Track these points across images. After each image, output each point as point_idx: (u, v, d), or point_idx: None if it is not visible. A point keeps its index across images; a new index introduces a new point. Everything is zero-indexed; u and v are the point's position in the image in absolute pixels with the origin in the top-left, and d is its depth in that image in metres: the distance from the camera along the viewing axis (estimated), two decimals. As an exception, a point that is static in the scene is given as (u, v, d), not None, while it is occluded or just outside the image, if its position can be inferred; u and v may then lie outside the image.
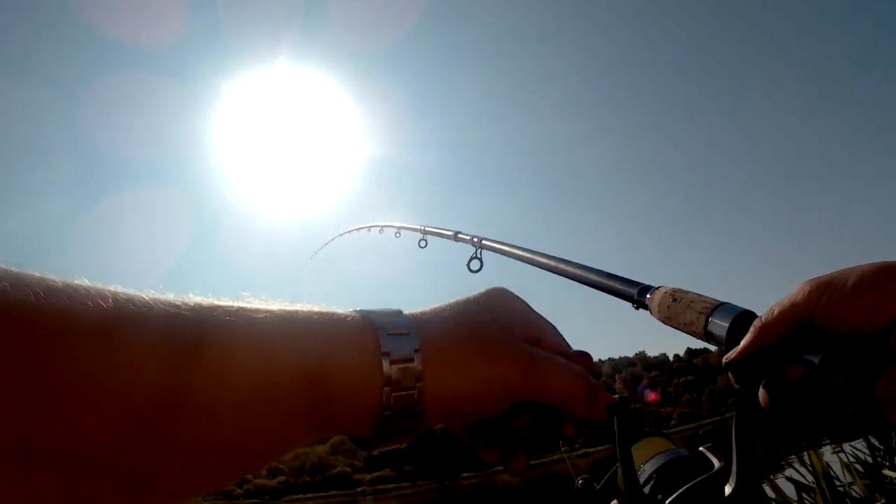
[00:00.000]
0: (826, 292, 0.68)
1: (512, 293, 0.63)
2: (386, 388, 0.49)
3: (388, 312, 0.54)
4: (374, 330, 0.51)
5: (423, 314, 0.57)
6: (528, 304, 0.64)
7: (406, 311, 0.57)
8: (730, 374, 0.75)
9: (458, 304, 0.59)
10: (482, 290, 0.63)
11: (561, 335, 0.64)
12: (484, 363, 0.54)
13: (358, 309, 0.55)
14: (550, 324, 0.64)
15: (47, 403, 0.34)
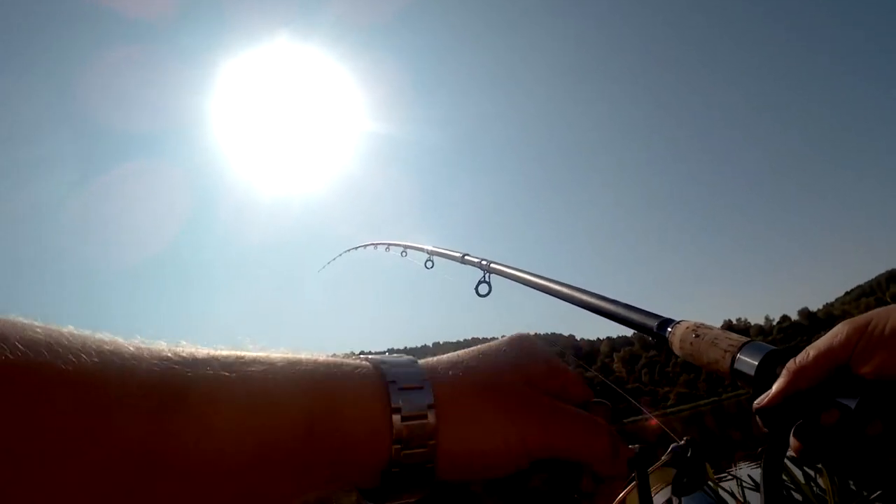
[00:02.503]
0: (864, 335, 0.65)
1: (535, 339, 0.59)
2: (396, 446, 0.45)
3: (400, 362, 0.50)
4: (384, 383, 0.47)
5: (438, 363, 0.52)
6: (551, 353, 0.59)
7: (420, 361, 0.52)
8: (757, 418, 0.72)
9: (477, 352, 0.55)
10: (507, 335, 0.58)
11: (585, 384, 0.60)
12: (503, 420, 0.50)
13: (369, 356, 0.51)
14: (574, 373, 0.59)
15: (23, 463, 0.32)
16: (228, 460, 0.39)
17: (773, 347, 0.75)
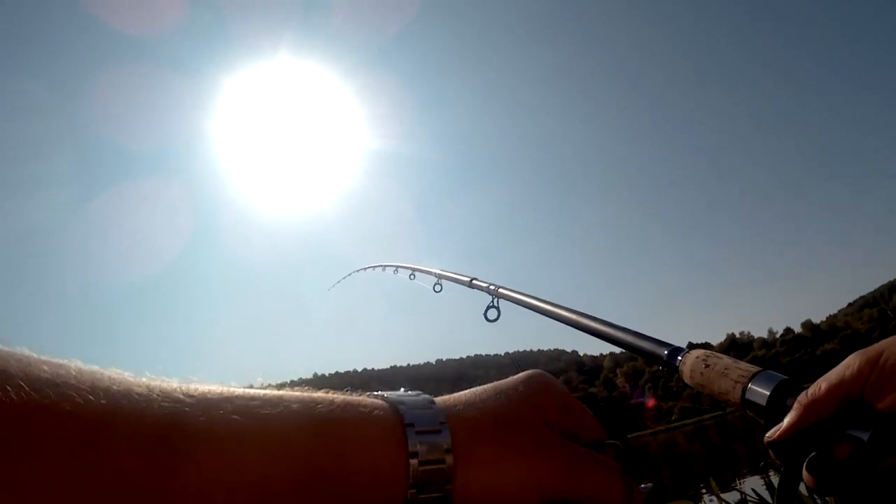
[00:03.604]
0: (876, 368, 0.65)
1: (550, 379, 0.59)
2: (411, 491, 0.45)
3: (418, 403, 0.50)
4: (402, 426, 0.47)
5: (455, 403, 0.52)
6: (566, 390, 0.59)
7: (438, 400, 0.52)
8: (770, 452, 0.71)
9: (494, 391, 0.55)
10: (521, 376, 0.58)
11: (598, 423, 0.60)
12: (521, 463, 0.50)
13: (386, 395, 0.51)
14: (589, 411, 0.60)
15: None
16: None
17: (784, 377, 0.74)
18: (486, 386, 0.56)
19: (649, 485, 0.64)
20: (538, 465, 0.50)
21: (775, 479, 3.46)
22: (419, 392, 0.53)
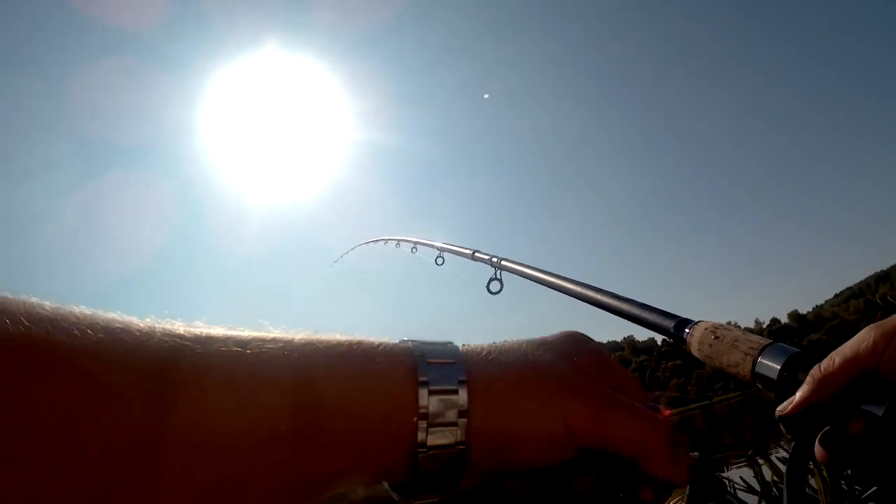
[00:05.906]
0: (893, 341, 0.63)
1: (589, 338, 0.54)
2: (422, 422, 0.42)
3: (433, 342, 0.47)
4: (412, 357, 0.44)
5: (476, 346, 0.49)
6: (607, 350, 0.54)
7: (458, 344, 0.49)
8: (781, 426, 0.69)
9: (522, 341, 0.51)
10: (556, 333, 0.54)
11: (642, 387, 0.54)
12: (542, 399, 0.46)
13: (405, 339, 0.48)
14: (630, 374, 0.54)
15: (12, 449, 0.30)
16: (237, 439, 0.37)
17: (796, 350, 0.73)
18: (516, 339, 0.52)
19: (696, 453, 0.60)
20: (565, 403, 0.46)
21: (765, 470, 3.49)
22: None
